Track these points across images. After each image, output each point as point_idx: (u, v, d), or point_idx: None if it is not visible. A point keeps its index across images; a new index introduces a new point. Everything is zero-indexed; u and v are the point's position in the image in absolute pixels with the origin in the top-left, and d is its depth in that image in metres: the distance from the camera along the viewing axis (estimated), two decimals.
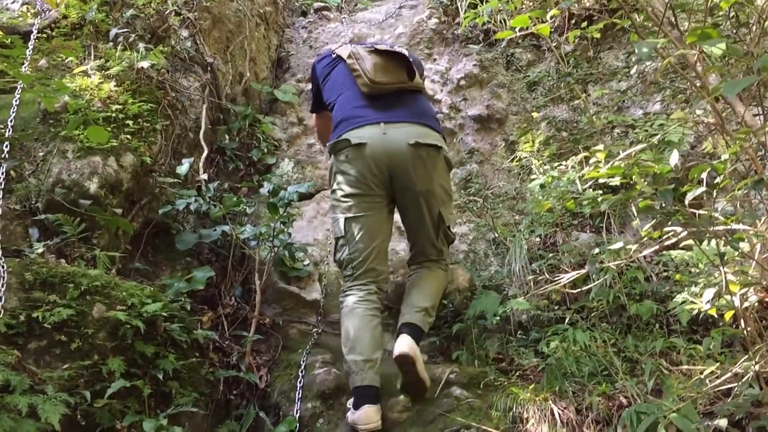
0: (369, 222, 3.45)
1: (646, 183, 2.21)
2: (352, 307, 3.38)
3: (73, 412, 2.71)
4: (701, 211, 2.39)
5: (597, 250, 3.11)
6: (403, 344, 3.26)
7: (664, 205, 2.14)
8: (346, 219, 3.46)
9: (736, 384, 2.63)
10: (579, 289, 3.32)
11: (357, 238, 3.44)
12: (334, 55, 3.80)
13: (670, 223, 2.51)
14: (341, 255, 3.52)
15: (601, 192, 4.09)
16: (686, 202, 2.20)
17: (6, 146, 3.34)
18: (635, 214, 3.65)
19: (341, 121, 3.52)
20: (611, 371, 3.29)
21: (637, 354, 3.41)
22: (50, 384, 2.64)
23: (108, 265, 3.53)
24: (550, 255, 4.43)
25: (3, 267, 2.99)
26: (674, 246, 3.92)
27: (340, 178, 3.49)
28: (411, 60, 3.62)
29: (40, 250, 3.37)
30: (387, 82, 3.51)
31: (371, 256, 3.46)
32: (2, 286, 2.92)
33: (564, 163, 4.14)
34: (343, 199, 3.47)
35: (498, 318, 4.22)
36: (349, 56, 3.59)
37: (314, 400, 3.56)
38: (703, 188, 2.12)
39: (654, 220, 2.81)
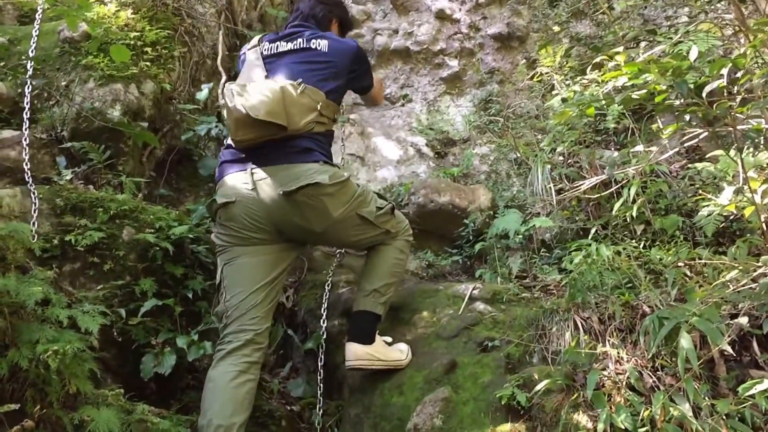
0: (252, 265, 2.92)
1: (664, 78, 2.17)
2: (214, 365, 2.79)
3: (109, 329, 2.81)
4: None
5: (616, 155, 3.07)
6: (349, 354, 3.10)
7: (681, 95, 2.10)
8: (224, 264, 2.95)
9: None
10: (599, 194, 3.27)
11: (234, 284, 2.90)
12: (242, 56, 3.35)
13: (688, 118, 2.46)
14: (217, 306, 2.98)
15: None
16: (704, 95, 2.16)
17: (31, 65, 3.34)
18: (660, 127, 3.61)
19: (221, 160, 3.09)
20: (635, 283, 3.31)
21: (661, 266, 3.43)
22: (86, 303, 2.73)
23: (134, 191, 3.59)
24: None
25: (34, 193, 3.05)
26: (700, 159, 3.90)
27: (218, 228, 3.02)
28: (301, 89, 2.96)
29: (68, 177, 3.43)
30: (249, 140, 2.88)
31: (249, 303, 2.87)
32: (34, 212, 2.99)
33: (586, 77, 4.07)
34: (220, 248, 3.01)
35: (520, 236, 4.25)
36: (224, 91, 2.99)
37: (339, 317, 3.64)
38: (721, 80, 2.08)
39: (675, 123, 2.74)
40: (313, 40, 3.19)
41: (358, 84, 3.43)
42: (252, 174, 2.89)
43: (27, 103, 3.29)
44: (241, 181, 2.89)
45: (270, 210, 2.87)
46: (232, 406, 2.62)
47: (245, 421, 2.66)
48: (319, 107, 3.00)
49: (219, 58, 5.01)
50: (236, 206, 2.88)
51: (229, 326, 2.83)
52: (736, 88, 2.27)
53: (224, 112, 2.91)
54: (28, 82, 3.31)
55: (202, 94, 4.34)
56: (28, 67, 3.33)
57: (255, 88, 2.87)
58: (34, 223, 2.93)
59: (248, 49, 3.30)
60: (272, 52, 3.19)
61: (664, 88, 2.22)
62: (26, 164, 3.16)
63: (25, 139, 3.23)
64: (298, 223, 2.92)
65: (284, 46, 3.19)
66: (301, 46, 3.18)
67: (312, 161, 2.93)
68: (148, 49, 4.14)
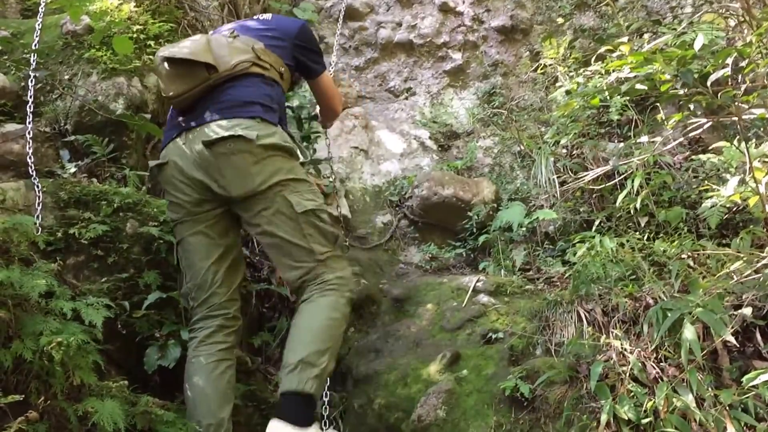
0: (198, 240, 2.80)
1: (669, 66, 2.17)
2: (192, 355, 2.72)
3: (113, 322, 2.81)
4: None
5: (621, 146, 3.07)
6: None
7: (686, 83, 2.09)
8: (177, 244, 2.88)
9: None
10: (603, 186, 3.26)
11: (189, 263, 2.82)
12: None
13: (692, 108, 2.46)
14: (181, 288, 2.90)
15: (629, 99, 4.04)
16: (708, 84, 2.15)
17: (34, 58, 3.34)
18: (664, 118, 3.60)
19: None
20: (639, 275, 3.31)
21: (665, 258, 3.42)
22: (90, 295, 2.73)
23: (138, 184, 3.59)
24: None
25: (38, 187, 3.05)
26: (704, 151, 3.89)
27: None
28: (232, 37, 2.85)
29: (72, 171, 3.43)
30: (182, 92, 2.69)
31: (208, 280, 2.78)
32: (38, 206, 2.99)
33: (590, 69, 4.06)
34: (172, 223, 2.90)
35: (524, 229, 4.25)
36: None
37: None
38: (725, 69, 2.08)
39: (679, 113, 2.74)
40: (260, 16, 3.24)
41: (305, 58, 3.10)
42: (186, 134, 2.71)
43: (30, 97, 3.29)
44: (176, 143, 2.74)
45: (195, 167, 2.67)
46: (217, 401, 2.60)
47: (231, 409, 2.65)
48: (254, 50, 2.82)
49: None
50: (168, 167, 2.75)
51: (196, 309, 2.78)
52: (740, 77, 2.26)
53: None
54: (32, 75, 3.31)
55: None
56: (31, 60, 3.33)
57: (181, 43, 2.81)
58: (38, 216, 2.93)
59: None
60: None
61: (669, 77, 2.22)
62: (30, 158, 3.16)
63: (29, 133, 3.23)
64: (220, 184, 2.66)
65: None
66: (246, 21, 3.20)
67: (248, 116, 2.68)
68: (151, 43, 4.13)
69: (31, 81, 3.26)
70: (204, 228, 2.78)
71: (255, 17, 3.24)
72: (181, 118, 2.77)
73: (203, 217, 2.77)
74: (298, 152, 2.90)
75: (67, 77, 3.85)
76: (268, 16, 3.20)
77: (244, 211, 2.73)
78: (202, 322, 2.76)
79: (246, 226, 2.83)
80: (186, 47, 2.70)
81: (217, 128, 2.63)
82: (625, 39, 2.65)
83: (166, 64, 2.67)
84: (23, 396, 2.04)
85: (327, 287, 2.66)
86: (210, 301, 2.77)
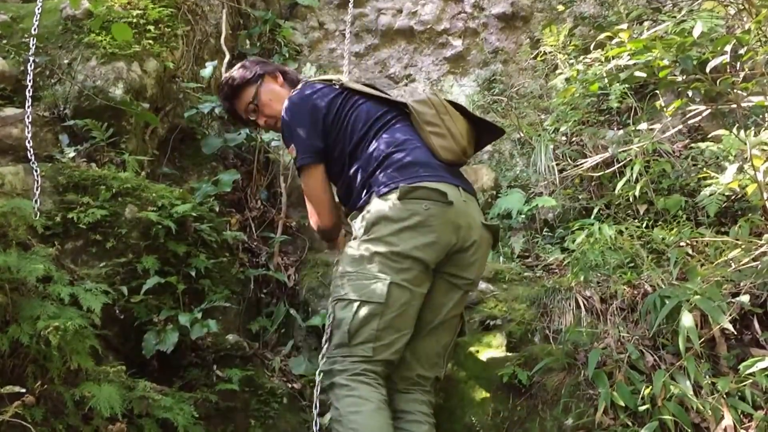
0: (416, 302, 2.48)
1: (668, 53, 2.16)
2: (376, 404, 2.34)
3: (111, 307, 2.82)
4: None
5: (621, 132, 3.06)
6: None
7: (684, 70, 2.08)
8: (392, 284, 2.39)
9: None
10: (602, 173, 3.26)
11: (397, 314, 2.41)
12: (338, 87, 2.75)
13: (690, 94, 2.45)
14: (363, 325, 2.40)
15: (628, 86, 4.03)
16: (707, 70, 2.14)
17: (33, 42, 3.32)
18: (663, 106, 3.59)
19: (411, 164, 2.51)
20: (637, 263, 3.31)
21: (663, 246, 3.42)
22: (88, 280, 2.73)
23: (137, 169, 3.58)
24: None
25: (36, 171, 3.05)
26: (703, 139, 3.88)
27: (404, 229, 2.42)
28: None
29: (71, 155, 3.43)
30: (468, 155, 2.73)
31: (399, 345, 2.46)
32: (37, 190, 2.98)
33: (589, 56, 4.04)
34: (396, 257, 2.41)
35: (523, 216, 4.24)
36: (424, 103, 2.65)
37: None
38: (724, 56, 2.07)
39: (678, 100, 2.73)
40: None
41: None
42: (462, 191, 2.61)
43: (29, 81, 3.27)
44: (454, 192, 2.54)
45: (468, 231, 2.57)
46: None
47: None
48: None
49: (222, 37, 4.98)
50: (453, 210, 2.53)
51: (375, 362, 2.44)
52: (739, 64, 2.25)
53: (441, 120, 2.63)
54: (31, 60, 3.29)
55: (206, 72, 4.33)
56: (31, 44, 3.31)
57: None
58: (36, 201, 2.92)
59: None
60: None
61: (668, 64, 2.21)
62: (29, 142, 3.15)
63: (28, 117, 3.21)
64: (470, 259, 2.61)
65: None
66: None
67: None
68: (151, 27, 4.12)
69: (31, 65, 3.25)
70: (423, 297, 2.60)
71: None
72: (444, 171, 2.60)
73: (427, 285, 2.60)
74: None
75: (66, 62, 3.84)
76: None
77: (455, 288, 2.66)
78: (374, 371, 2.45)
79: None
80: None
81: (481, 216, 2.70)
82: (624, 26, 2.63)
83: (466, 119, 2.73)
84: (19, 381, 2.04)
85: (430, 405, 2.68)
86: (389, 361, 2.51)
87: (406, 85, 5.85)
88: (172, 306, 3.10)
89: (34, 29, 3.33)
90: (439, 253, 2.46)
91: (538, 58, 5.22)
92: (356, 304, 2.40)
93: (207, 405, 2.85)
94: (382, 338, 2.39)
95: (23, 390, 2.02)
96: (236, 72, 3.00)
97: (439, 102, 2.65)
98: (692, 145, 3.96)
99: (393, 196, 2.43)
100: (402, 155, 2.52)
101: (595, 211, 3.99)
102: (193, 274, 3.22)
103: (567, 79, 4.13)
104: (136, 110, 3.56)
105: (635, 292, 3.09)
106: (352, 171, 2.63)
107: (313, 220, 2.82)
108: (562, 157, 4.26)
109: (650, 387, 2.63)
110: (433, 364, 2.62)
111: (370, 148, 2.58)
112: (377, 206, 2.46)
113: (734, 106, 2.31)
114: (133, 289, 2.98)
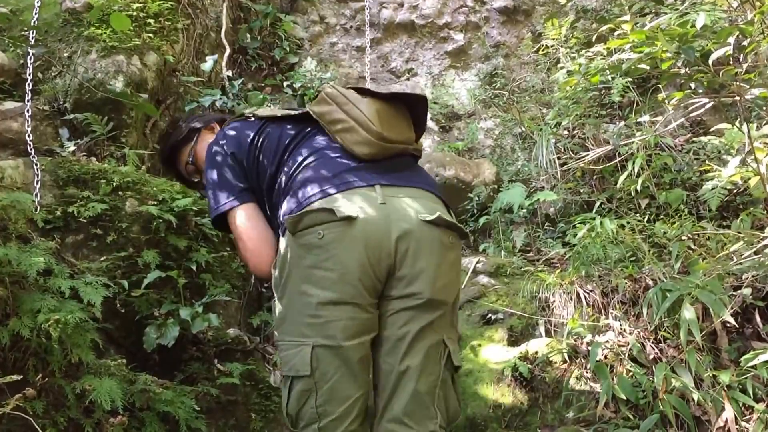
0: (358, 355, 1.91)
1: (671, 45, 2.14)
2: None
3: (112, 301, 2.81)
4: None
5: (622, 124, 3.05)
6: None
7: (687, 61, 2.07)
8: (316, 347, 1.89)
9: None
10: (604, 165, 3.24)
11: (332, 382, 1.90)
12: (253, 119, 2.33)
13: (693, 86, 2.43)
14: (300, 405, 1.93)
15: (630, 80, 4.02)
16: (710, 62, 2.13)
17: (33, 35, 3.32)
18: (665, 98, 3.58)
19: (306, 183, 2.02)
20: (639, 256, 3.31)
21: (665, 239, 3.42)
22: (89, 274, 2.73)
23: (137, 163, 3.58)
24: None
25: (36, 165, 3.04)
26: (704, 133, 3.87)
27: (307, 272, 1.92)
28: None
29: (71, 149, 3.42)
30: (394, 140, 2.07)
31: (352, 415, 1.92)
32: (37, 184, 2.98)
33: (591, 50, 4.03)
34: (310, 309, 1.90)
35: (525, 210, 4.24)
36: (322, 101, 2.15)
37: None
38: (728, 48, 2.06)
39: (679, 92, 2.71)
40: None
41: None
42: (381, 190, 2.03)
43: (29, 75, 3.26)
44: (367, 197, 2.00)
45: (398, 236, 1.97)
46: None
47: None
48: None
49: (223, 30, 4.97)
50: (358, 225, 1.95)
51: None
52: (742, 56, 2.24)
53: (345, 112, 2.11)
54: (30, 53, 3.29)
55: (207, 65, 4.33)
56: (30, 37, 3.30)
57: None
58: (36, 195, 2.92)
59: None
60: None
61: (670, 55, 2.19)
62: (29, 136, 3.14)
63: (28, 111, 3.21)
64: (421, 268, 1.97)
65: None
66: None
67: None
68: (151, 21, 4.11)
69: (30, 58, 3.24)
70: (372, 333, 2.07)
71: None
72: (365, 172, 2.10)
73: (371, 318, 2.05)
74: None
75: (66, 55, 3.83)
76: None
77: (415, 309, 2.02)
78: None
79: None
80: None
81: (438, 209, 2.06)
82: (627, 17, 2.62)
83: (377, 100, 2.15)
84: (21, 376, 2.04)
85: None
86: None
87: (407, 79, 5.84)
88: (173, 300, 3.09)
89: (34, 21, 3.32)
90: (361, 284, 1.88)
91: (540, 52, 5.21)
92: (288, 381, 1.96)
93: (208, 399, 2.85)
94: (327, 414, 1.90)
95: (21, 377, 2.02)
96: (170, 134, 2.61)
97: (337, 94, 2.16)
98: (694, 139, 3.95)
99: (287, 234, 1.97)
100: (303, 175, 2.06)
101: (597, 205, 3.98)
102: (194, 268, 3.21)
103: (569, 72, 4.13)
104: (137, 102, 3.55)
105: (636, 285, 3.09)
106: (269, 211, 2.20)
107: (251, 263, 2.16)
108: (564, 150, 4.25)
109: (652, 380, 2.63)
110: (421, 418, 1.92)
111: (281, 178, 2.15)
112: (281, 249, 2.01)
113: (737, 98, 2.30)
114: (133, 283, 2.97)
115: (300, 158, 2.12)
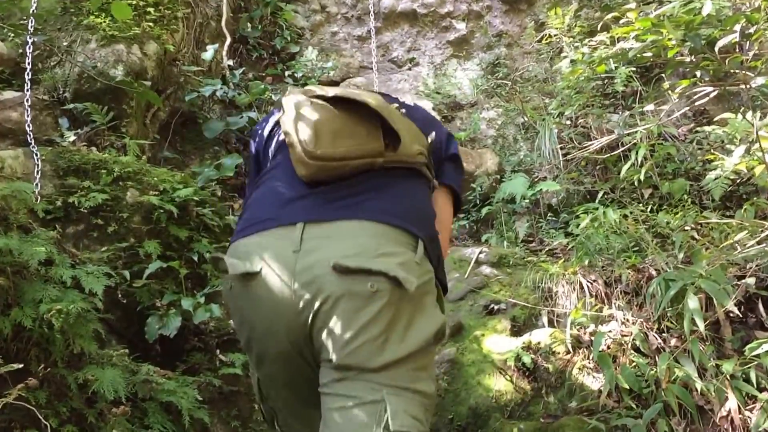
0: (294, 397, 1.73)
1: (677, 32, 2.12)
2: None
3: (113, 291, 2.80)
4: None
5: (627, 113, 3.03)
6: None
7: (693, 48, 2.05)
8: (260, 379, 1.75)
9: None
10: (607, 155, 3.22)
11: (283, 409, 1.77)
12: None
13: (699, 74, 2.42)
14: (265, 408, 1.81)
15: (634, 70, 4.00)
16: (716, 49, 2.11)
17: (32, 22, 3.29)
18: (669, 87, 3.55)
19: (247, 209, 1.81)
20: (642, 246, 3.29)
21: (668, 229, 3.40)
22: (90, 264, 2.72)
23: (138, 153, 3.56)
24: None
25: (37, 155, 3.03)
26: (708, 123, 3.85)
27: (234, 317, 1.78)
28: (402, 112, 1.89)
29: (71, 139, 3.41)
30: (339, 157, 1.68)
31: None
32: (37, 174, 2.97)
33: (595, 39, 4.00)
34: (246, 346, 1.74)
35: (527, 200, 4.23)
36: (284, 109, 1.81)
37: None
38: (734, 35, 2.04)
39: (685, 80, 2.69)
40: None
41: None
42: (305, 228, 1.67)
43: (28, 64, 3.24)
44: (280, 241, 1.69)
45: (306, 292, 1.64)
46: None
47: None
48: None
49: (223, 19, 4.95)
50: (258, 283, 1.68)
51: None
52: (748, 44, 2.22)
53: (291, 125, 1.73)
54: (29, 41, 3.26)
55: (208, 54, 4.30)
56: (29, 25, 3.28)
57: None
58: (36, 185, 2.91)
59: None
60: None
61: (675, 43, 2.17)
62: (28, 126, 3.13)
63: (27, 100, 3.19)
64: (325, 331, 1.61)
65: None
66: None
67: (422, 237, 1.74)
68: (151, 10, 4.09)
69: (29, 47, 3.21)
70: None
71: None
72: (301, 203, 1.77)
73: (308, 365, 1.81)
74: None
75: (65, 44, 3.81)
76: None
77: (329, 377, 1.69)
78: None
79: None
80: None
81: (365, 247, 1.69)
82: (633, 5, 2.60)
83: (325, 108, 1.80)
84: (22, 365, 2.03)
85: None
86: None
87: (409, 69, 5.81)
88: (175, 290, 3.08)
89: (33, 9, 3.29)
90: (274, 345, 1.62)
91: (543, 42, 5.18)
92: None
93: (210, 389, 2.85)
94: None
95: (23, 366, 2.01)
96: None
97: (287, 99, 1.81)
98: (697, 128, 3.93)
99: None
100: (255, 194, 1.83)
101: (600, 195, 3.97)
102: (195, 258, 3.21)
103: (572, 62, 4.10)
104: (139, 89, 3.53)
105: (640, 275, 3.07)
106: None
107: None
108: (567, 140, 4.23)
109: (655, 370, 2.62)
110: None
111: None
112: None
113: (742, 86, 2.28)
114: (135, 274, 2.96)
115: (267, 167, 1.91)
